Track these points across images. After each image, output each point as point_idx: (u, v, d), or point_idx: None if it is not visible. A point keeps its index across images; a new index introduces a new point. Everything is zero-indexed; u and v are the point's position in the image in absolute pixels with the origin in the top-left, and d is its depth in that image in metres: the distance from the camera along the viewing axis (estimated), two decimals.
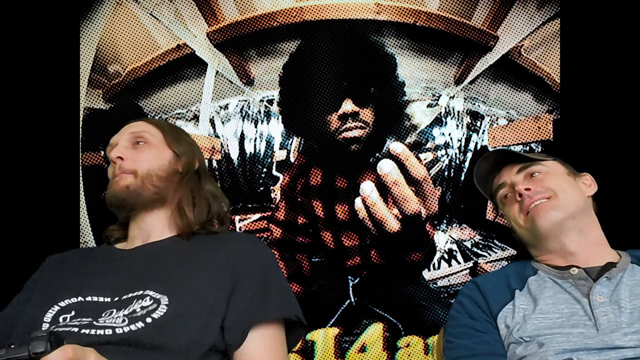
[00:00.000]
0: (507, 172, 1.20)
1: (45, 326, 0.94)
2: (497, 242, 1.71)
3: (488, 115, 1.73)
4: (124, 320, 0.91)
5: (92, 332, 0.90)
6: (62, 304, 0.97)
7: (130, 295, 0.97)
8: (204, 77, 1.75)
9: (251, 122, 1.76)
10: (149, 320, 0.91)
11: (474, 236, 1.72)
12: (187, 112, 1.76)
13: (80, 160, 1.71)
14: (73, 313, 0.95)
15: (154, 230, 1.11)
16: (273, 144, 1.75)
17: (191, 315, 0.94)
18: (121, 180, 1.08)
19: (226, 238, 1.12)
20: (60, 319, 0.94)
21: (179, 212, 1.12)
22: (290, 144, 1.74)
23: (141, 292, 0.97)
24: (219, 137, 1.76)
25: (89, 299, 0.98)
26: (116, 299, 0.98)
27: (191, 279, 1.00)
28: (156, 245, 1.09)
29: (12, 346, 0.68)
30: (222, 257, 1.04)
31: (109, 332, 0.90)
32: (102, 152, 1.73)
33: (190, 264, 1.03)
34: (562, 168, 1.19)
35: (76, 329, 0.91)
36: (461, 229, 1.73)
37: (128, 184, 1.08)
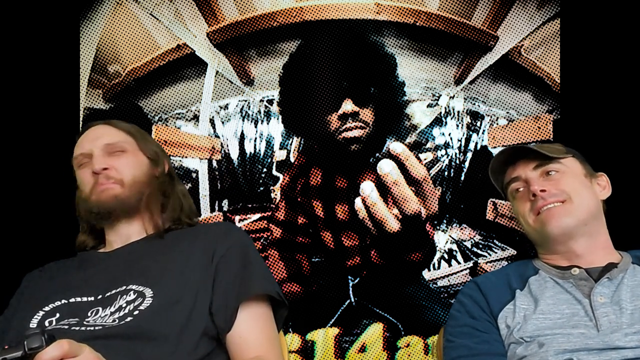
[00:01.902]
0: (522, 166, 1.16)
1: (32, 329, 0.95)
2: (497, 242, 1.70)
3: (488, 115, 1.73)
4: (114, 320, 0.92)
5: (83, 329, 0.91)
6: (47, 308, 0.99)
7: (113, 292, 0.99)
8: (204, 77, 1.75)
9: (251, 122, 1.76)
10: (136, 313, 0.93)
11: (474, 236, 1.72)
12: (187, 112, 1.76)
13: None
14: (58, 315, 0.96)
15: (132, 234, 1.13)
16: (273, 144, 1.75)
17: (177, 303, 0.96)
18: (109, 190, 1.08)
19: (200, 228, 1.16)
20: (46, 323, 0.96)
21: (154, 213, 1.14)
22: (290, 144, 1.74)
23: (124, 287, 0.99)
24: (219, 137, 1.76)
25: (72, 300, 1.00)
26: (99, 296, 0.99)
27: (172, 269, 1.02)
28: (135, 244, 1.11)
29: (6, 347, 0.68)
30: (200, 244, 1.07)
31: (99, 328, 0.91)
32: None
33: (170, 255, 1.05)
34: (580, 168, 1.16)
35: (66, 327, 0.92)
36: (461, 229, 1.73)
37: (117, 194, 1.09)
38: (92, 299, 0.99)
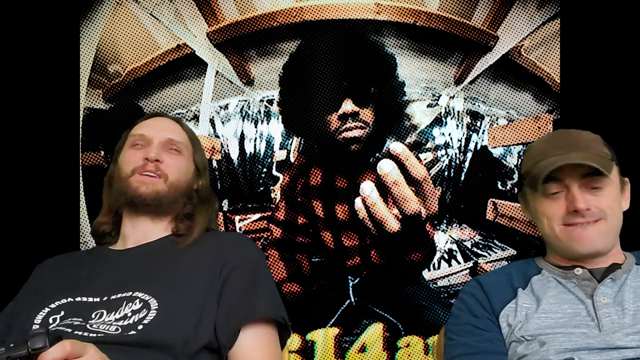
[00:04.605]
0: (569, 170, 1.05)
1: (35, 328, 0.94)
2: (497, 242, 1.70)
3: (488, 115, 1.73)
4: (117, 329, 0.92)
5: (85, 334, 0.91)
6: (52, 305, 0.98)
7: (119, 295, 0.98)
8: (204, 77, 1.75)
9: (251, 122, 1.76)
10: (140, 327, 0.92)
11: (474, 236, 1.72)
12: (187, 112, 1.76)
13: (80, 160, 1.72)
14: (62, 313, 0.96)
15: (151, 233, 1.12)
16: (273, 144, 1.75)
17: (182, 316, 0.95)
18: (153, 184, 1.08)
19: (214, 237, 1.14)
20: (50, 320, 0.95)
21: (179, 224, 1.13)
22: (290, 144, 1.74)
23: (130, 293, 0.98)
24: (219, 137, 1.76)
25: (78, 299, 0.99)
26: (105, 298, 0.98)
27: (180, 278, 1.01)
28: (147, 246, 1.10)
29: (12, 345, 0.68)
30: (210, 255, 1.05)
31: (101, 335, 0.91)
32: (102, 152, 1.73)
33: (179, 263, 1.04)
34: (618, 179, 1.10)
35: (69, 330, 0.92)
36: (461, 229, 1.73)
37: (159, 190, 1.08)
38: (97, 299, 0.99)
